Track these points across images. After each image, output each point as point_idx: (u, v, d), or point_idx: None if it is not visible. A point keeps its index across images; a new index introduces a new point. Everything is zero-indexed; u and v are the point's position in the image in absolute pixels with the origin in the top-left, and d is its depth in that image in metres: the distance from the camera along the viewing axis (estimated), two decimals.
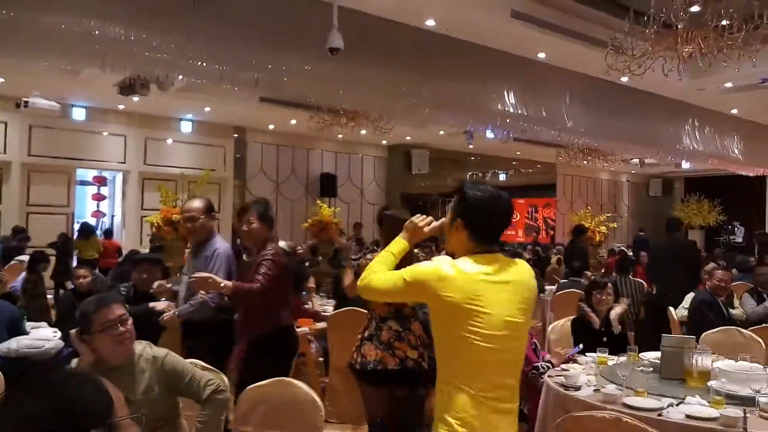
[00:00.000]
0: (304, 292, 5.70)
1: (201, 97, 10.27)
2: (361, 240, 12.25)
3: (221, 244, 3.73)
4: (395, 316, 3.18)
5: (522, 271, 1.99)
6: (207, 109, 11.59)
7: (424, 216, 2.17)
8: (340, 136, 12.95)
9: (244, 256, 4.25)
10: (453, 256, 1.98)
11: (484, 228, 1.96)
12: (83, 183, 12.45)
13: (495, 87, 8.27)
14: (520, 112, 8.51)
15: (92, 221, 11.98)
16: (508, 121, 8.56)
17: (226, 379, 2.45)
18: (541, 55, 8.18)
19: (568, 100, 9.12)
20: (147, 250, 7.45)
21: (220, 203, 13.24)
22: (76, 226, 11.26)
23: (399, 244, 2.13)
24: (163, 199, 7.38)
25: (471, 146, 13.45)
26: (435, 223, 2.15)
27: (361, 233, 13.27)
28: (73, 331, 2.31)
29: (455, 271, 1.87)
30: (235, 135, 13.54)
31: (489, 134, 11.06)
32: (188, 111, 11.99)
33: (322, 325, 5.09)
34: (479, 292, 1.85)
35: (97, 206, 12.46)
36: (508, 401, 1.92)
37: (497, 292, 1.88)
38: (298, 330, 4.85)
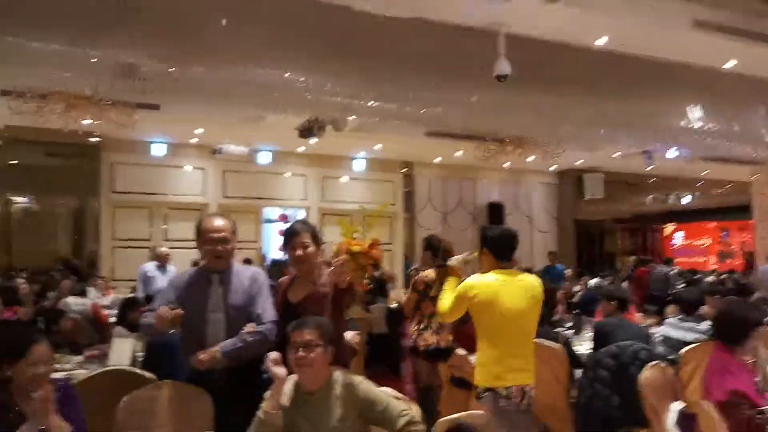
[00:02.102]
0: None
1: (372, 136, 10.69)
2: (530, 269, 11.86)
3: (252, 267, 3.14)
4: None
5: (527, 278, 3.22)
6: (378, 146, 12.05)
7: (457, 257, 3.39)
8: (506, 164, 12.76)
9: None
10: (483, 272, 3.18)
11: (499, 252, 3.18)
12: (269, 221, 13.52)
13: (677, 102, 7.66)
14: (707, 127, 7.78)
15: (279, 255, 12.89)
16: (694, 138, 7.86)
17: (419, 410, 2.41)
18: (730, 64, 7.44)
19: (765, 112, 8.18)
20: None
21: (391, 237, 13.65)
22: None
23: (453, 282, 3.25)
24: (344, 231, 7.61)
25: (651, 167, 12.53)
26: (461, 258, 3.35)
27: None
28: (273, 354, 2.36)
29: (477, 281, 3.11)
30: (404, 169, 13.89)
31: (671, 154, 10.23)
32: (361, 149, 12.54)
33: None
34: (494, 291, 3.05)
35: None
36: (519, 360, 3.04)
37: (507, 291, 3.07)
38: None
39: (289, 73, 6.11)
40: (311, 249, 3.04)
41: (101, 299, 7.90)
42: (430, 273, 4.71)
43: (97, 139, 11.18)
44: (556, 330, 4.97)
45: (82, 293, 7.36)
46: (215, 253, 2.88)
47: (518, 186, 15.17)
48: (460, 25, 6.24)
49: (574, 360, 4.32)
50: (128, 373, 3.32)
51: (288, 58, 5.95)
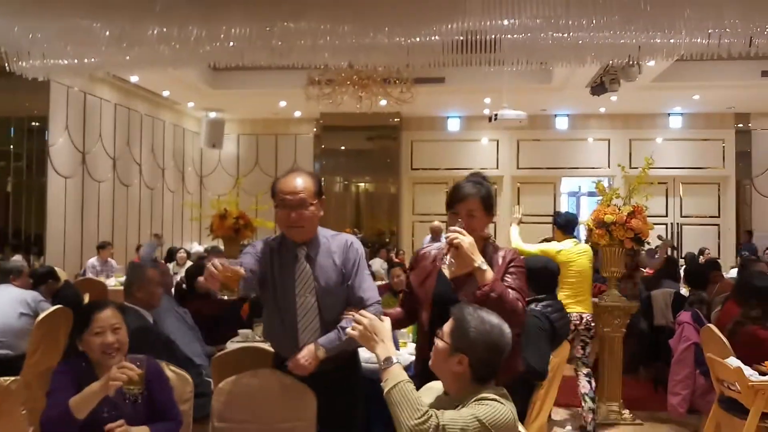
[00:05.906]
0: None
1: (686, 84, 8.94)
2: None
3: (343, 235, 2.44)
4: None
5: (584, 246, 4.67)
6: (695, 96, 10.07)
7: None
8: None
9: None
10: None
11: (567, 228, 4.67)
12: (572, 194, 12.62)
13: None
14: None
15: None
16: None
17: None
18: None
19: None
20: None
21: (719, 207, 11.48)
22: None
23: None
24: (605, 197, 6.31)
25: None
26: None
27: None
28: None
29: (562, 245, 4.56)
30: (737, 124, 11.44)
31: None
32: (674, 103, 10.73)
33: None
34: (571, 251, 4.51)
35: None
36: (584, 298, 4.51)
37: (577, 253, 4.52)
38: None
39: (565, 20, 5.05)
40: (479, 217, 2.27)
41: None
42: None
43: (397, 119, 11.63)
44: None
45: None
46: (289, 222, 2.24)
47: None
48: None
49: None
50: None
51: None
